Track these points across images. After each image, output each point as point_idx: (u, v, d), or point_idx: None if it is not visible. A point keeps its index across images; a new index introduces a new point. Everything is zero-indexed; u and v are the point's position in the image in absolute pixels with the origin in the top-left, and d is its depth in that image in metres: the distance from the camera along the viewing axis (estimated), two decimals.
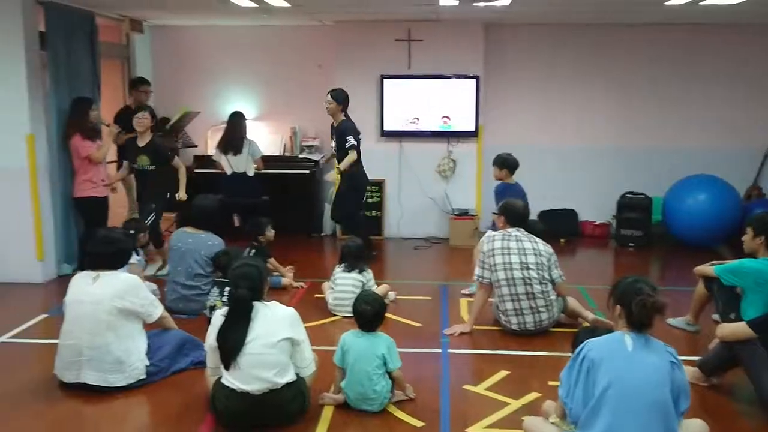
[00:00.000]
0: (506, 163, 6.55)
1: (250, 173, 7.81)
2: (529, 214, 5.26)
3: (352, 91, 8.34)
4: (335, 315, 5.54)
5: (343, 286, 5.56)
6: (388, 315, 5.53)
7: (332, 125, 7.19)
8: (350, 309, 5.42)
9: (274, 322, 3.65)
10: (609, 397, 2.99)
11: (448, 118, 8.39)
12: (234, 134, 7.70)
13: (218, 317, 3.71)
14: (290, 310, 3.76)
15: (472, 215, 8.27)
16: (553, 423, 3.37)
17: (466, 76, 8.26)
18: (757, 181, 8.59)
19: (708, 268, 4.84)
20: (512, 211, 5.16)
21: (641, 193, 8.27)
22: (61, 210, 6.71)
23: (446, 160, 8.46)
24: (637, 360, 3.02)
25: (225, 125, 7.84)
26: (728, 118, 8.50)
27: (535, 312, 5.02)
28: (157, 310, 4.28)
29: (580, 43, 8.54)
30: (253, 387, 3.57)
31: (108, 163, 7.36)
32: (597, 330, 3.35)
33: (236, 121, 7.77)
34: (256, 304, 3.66)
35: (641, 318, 3.02)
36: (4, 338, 5.07)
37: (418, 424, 3.76)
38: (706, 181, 7.90)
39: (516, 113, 8.70)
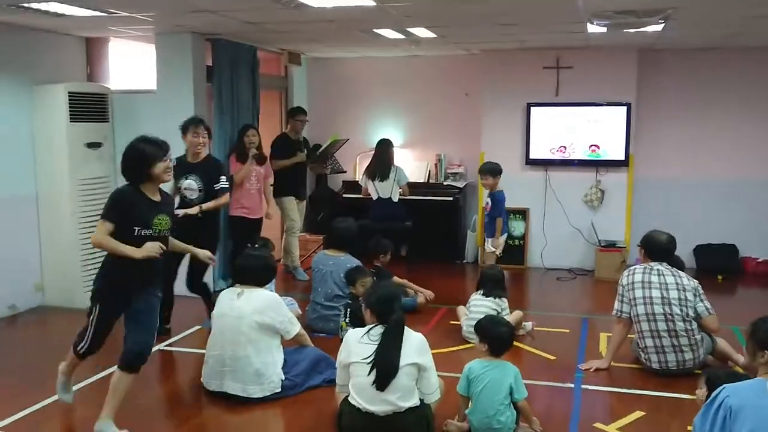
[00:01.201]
0: (499, 171, 6.83)
1: (395, 199, 8.03)
2: (675, 248, 4.99)
3: (498, 119, 8.42)
4: (469, 342, 5.53)
5: (478, 311, 5.54)
6: (521, 345, 5.56)
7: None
8: None
9: (404, 347, 3.73)
10: None
11: (597, 146, 8.17)
12: (381, 161, 7.98)
13: (352, 335, 3.85)
14: (420, 336, 3.83)
15: (620, 247, 7.96)
16: None
17: (617, 104, 8.01)
18: None
19: None
20: (655, 244, 4.93)
21: None
22: (223, 229, 7.22)
23: (594, 189, 8.22)
24: None
25: (373, 152, 8.14)
26: None
27: (678, 351, 4.75)
28: (295, 328, 4.51)
29: (740, 68, 8.04)
30: (378, 408, 3.66)
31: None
32: (737, 374, 3.13)
33: (384, 148, 8.04)
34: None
35: None
36: (162, 346, 5.53)
37: None
38: None
39: (669, 143, 8.32)
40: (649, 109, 8.25)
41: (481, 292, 5.69)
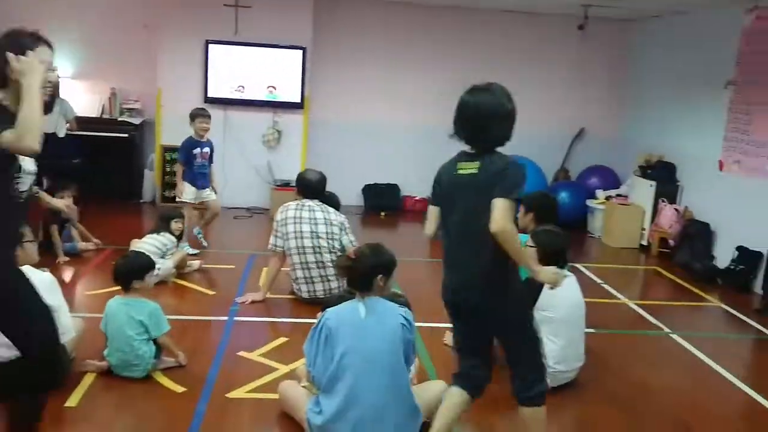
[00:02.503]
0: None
1: (61, 134, 7.47)
2: (325, 186, 5.34)
3: (177, 55, 8.18)
4: None
5: (141, 247, 5.45)
6: (184, 283, 5.59)
7: None
8: None
9: None
10: (346, 364, 3.14)
11: (274, 87, 8.35)
12: None
13: None
14: (47, 276, 3.64)
15: (294, 186, 8.28)
16: (304, 387, 3.50)
17: (293, 47, 8.24)
18: (565, 164, 9.21)
19: None
20: (306, 182, 5.23)
21: None
22: None
23: (271, 129, 8.43)
24: (370, 326, 3.17)
25: None
26: (541, 103, 9.03)
27: (325, 281, 5.14)
28: None
29: (410, 21, 8.74)
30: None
31: None
32: (343, 297, 3.48)
33: None
34: None
35: (352, 284, 3.20)
36: None
37: (180, 389, 3.76)
38: None
39: (344, 87, 8.80)
40: (326, 54, 8.62)
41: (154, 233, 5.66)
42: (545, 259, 3.96)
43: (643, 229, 7.78)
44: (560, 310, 3.94)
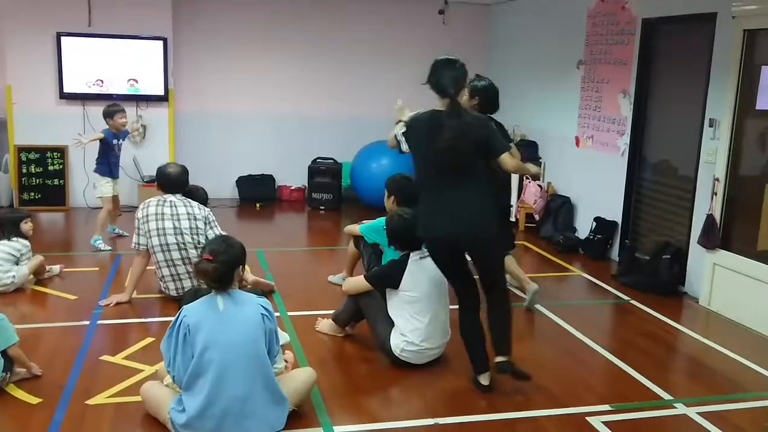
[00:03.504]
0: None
1: None
2: (186, 179, 5.20)
3: (26, 48, 7.72)
4: None
5: None
6: (43, 289, 5.32)
7: None
8: None
9: None
10: (207, 359, 3.09)
11: (135, 80, 8.05)
12: None
13: None
14: None
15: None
16: (167, 386, 3.41)
17: (153, 38, 7.95)
18: None
19: (355, 228, 5.18)
20: (164, 177, 5.07)
21: (331, 159, 8.65)
22: None
23: (136, 124, 8.12)
24: (230, 318, 3.14)
25: None
26: (405, 88, 9.15)
27: (193, 277, 5.01)
28: None
29: (272, 7, 8.62)
30: None
31: None
32: (199, 291, 3.42)
33: None
34: None
35: (214, 283, 3.15)
36: None
37: (35, 401, 3.58)
38: (386, 146, 8.43)
39: (210, 78, 8.61)
40: (189, 44, 8.39)
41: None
42: (397, 243, 4.09)
43: (510, 206, 8.06)
44: (422, 288, 4.03)
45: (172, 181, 5.05)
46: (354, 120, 8.96)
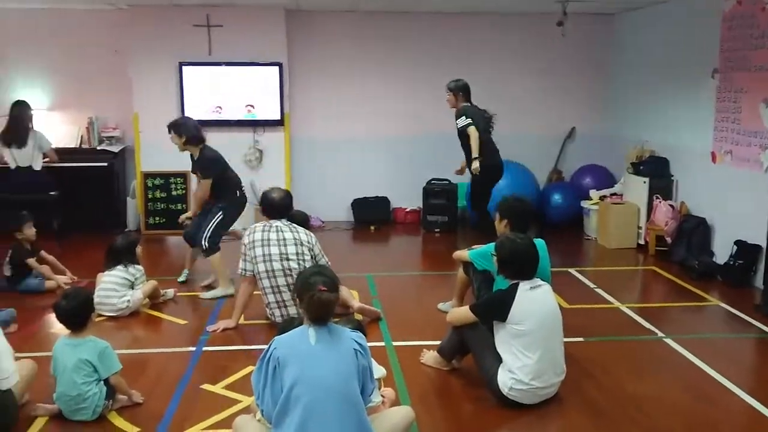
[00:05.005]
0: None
1: (37, 167, 7.34)
2: (291, 204, 5.14)
3: (151, 78, 8.04)
4: (101, 315, 5.21)
5: (107, 284, 5.27)
6: (155, 313, 5.40)
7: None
8: (112, 308, 5.22)
9: None
10: (296, 395, 2.92)
11: (252, 106, 8.19)
12: (17, 126, 7.23)
13: None
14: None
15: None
16: (258, 420, 3.27)
17: (269, 64, 8.08)
18: (557, 165, 8.96)
19: (464, 253, 4.91)
20: (269, 202, 5.03)
21: (446, 180, 8.41)
22: None
23: (252, 149, 8.26)
24: (321, 354, 2.95)
25: (8, 116, 7.32)
26: (526, 105, 8.80)
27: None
28: None
29: (385, 30, 8.55)
30: None
31: None
32: (294, 322, 3.27)
33: (19, 111, 7.29)
34: None
35: (315, 313, 2.97)
36: None
37: (133, 430, 3.56)
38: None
39: (323, 102, 8.62)
40: (303, 69, 8.45)
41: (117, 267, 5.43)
42: (507, 271, 3.80)
43: (639, 228, 7.52)
44: (532, 321, 3.70)
45: (276, 205, 5.00)
46: None
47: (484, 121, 6.62)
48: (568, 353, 4.01)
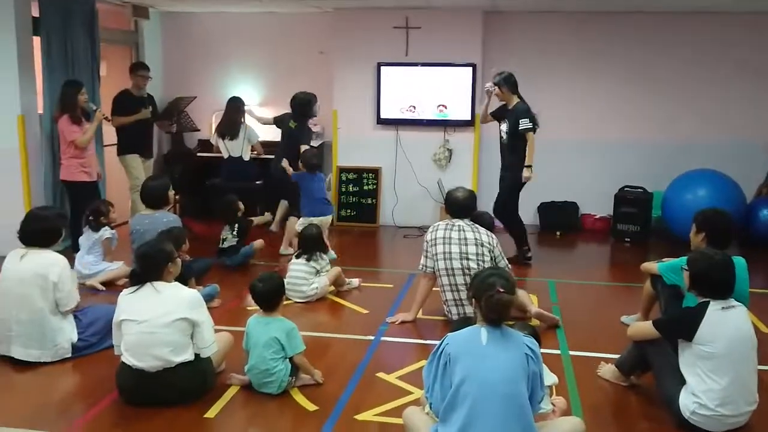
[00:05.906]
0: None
1: (246, 158, 7.99)
2: (474, 204, 5.17)
3: (350, 78, 8.45)
4: (288, 299, 5.59)
5: (296, 272, 5.64)
6: (339, 300, 5.69)
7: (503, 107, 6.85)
8: (301, 295, 5.58)
9: (172, 302, 3.75)
10: (464, 393, 2.96)
11: (444, 106, 8.32)
12: (231, 119, 7.91)
13: (121, 295, 3.85)
14: (192, 292, 3.86)
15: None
16: (427, 413, 3.36)
17: (463, 64, 8.16)
18: None
19: (653, 265, 4.67)
20: (453, 201, 5.09)
21: (640, 187, 8.00)
22: (52, 191, 7.03)
23: (442, 148, 8.39)
24: (491, 354, 2.97)
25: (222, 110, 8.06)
26: (743, 109, 8.15)
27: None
28: (71, 303, 4.38)
29: (581, 31, 8.30)
30: (146, 364, 3.69)
31: (107, 146, 7.69)
32: (470, 321, 3.30)
33: (234, 106, 7.97)
34: (156, 284, 3.78)
35: (491, 313, 2.98)
36: None
37: (312, 408, 3.79)
38: (706, 176, 7.56)
39: None
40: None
41: (299, 253, 5.80)
42: (698, 288, 3.56)
43: None
44: (722, 343, 3.44)
45: (460, 205, 5.06)
46: (667, 145, 8.23)
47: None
48: (765, 382, 3.69)
